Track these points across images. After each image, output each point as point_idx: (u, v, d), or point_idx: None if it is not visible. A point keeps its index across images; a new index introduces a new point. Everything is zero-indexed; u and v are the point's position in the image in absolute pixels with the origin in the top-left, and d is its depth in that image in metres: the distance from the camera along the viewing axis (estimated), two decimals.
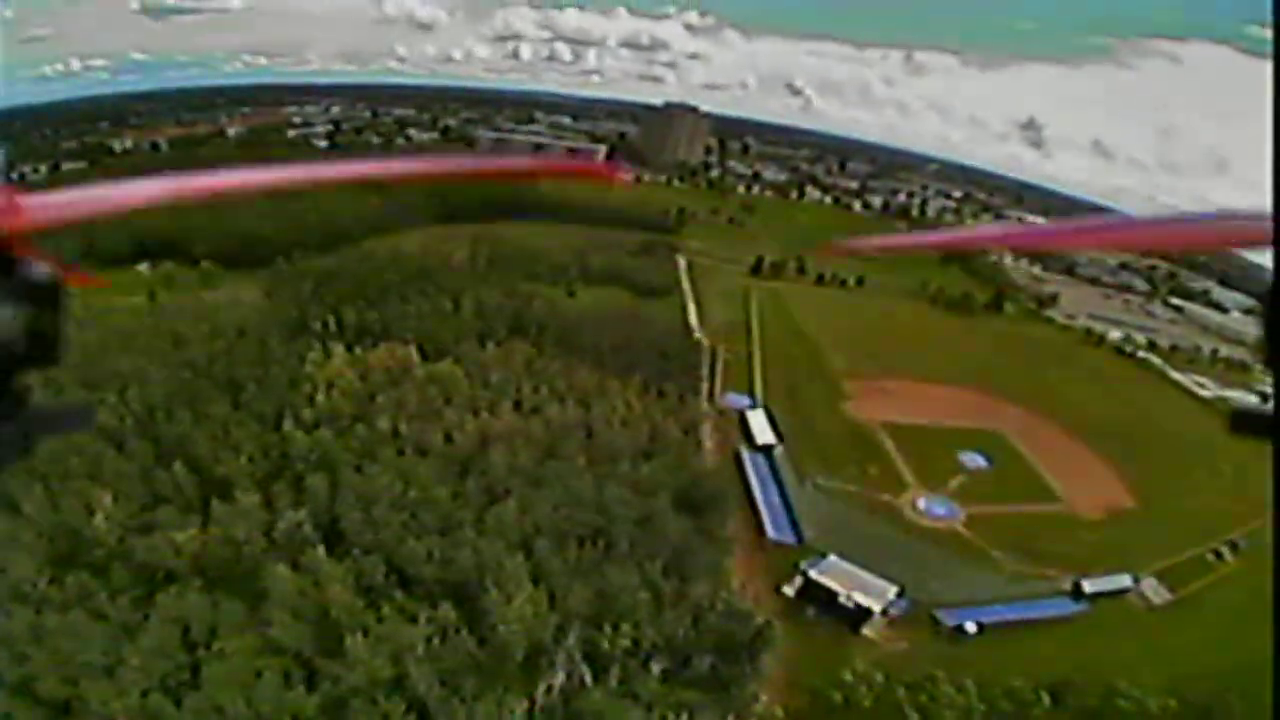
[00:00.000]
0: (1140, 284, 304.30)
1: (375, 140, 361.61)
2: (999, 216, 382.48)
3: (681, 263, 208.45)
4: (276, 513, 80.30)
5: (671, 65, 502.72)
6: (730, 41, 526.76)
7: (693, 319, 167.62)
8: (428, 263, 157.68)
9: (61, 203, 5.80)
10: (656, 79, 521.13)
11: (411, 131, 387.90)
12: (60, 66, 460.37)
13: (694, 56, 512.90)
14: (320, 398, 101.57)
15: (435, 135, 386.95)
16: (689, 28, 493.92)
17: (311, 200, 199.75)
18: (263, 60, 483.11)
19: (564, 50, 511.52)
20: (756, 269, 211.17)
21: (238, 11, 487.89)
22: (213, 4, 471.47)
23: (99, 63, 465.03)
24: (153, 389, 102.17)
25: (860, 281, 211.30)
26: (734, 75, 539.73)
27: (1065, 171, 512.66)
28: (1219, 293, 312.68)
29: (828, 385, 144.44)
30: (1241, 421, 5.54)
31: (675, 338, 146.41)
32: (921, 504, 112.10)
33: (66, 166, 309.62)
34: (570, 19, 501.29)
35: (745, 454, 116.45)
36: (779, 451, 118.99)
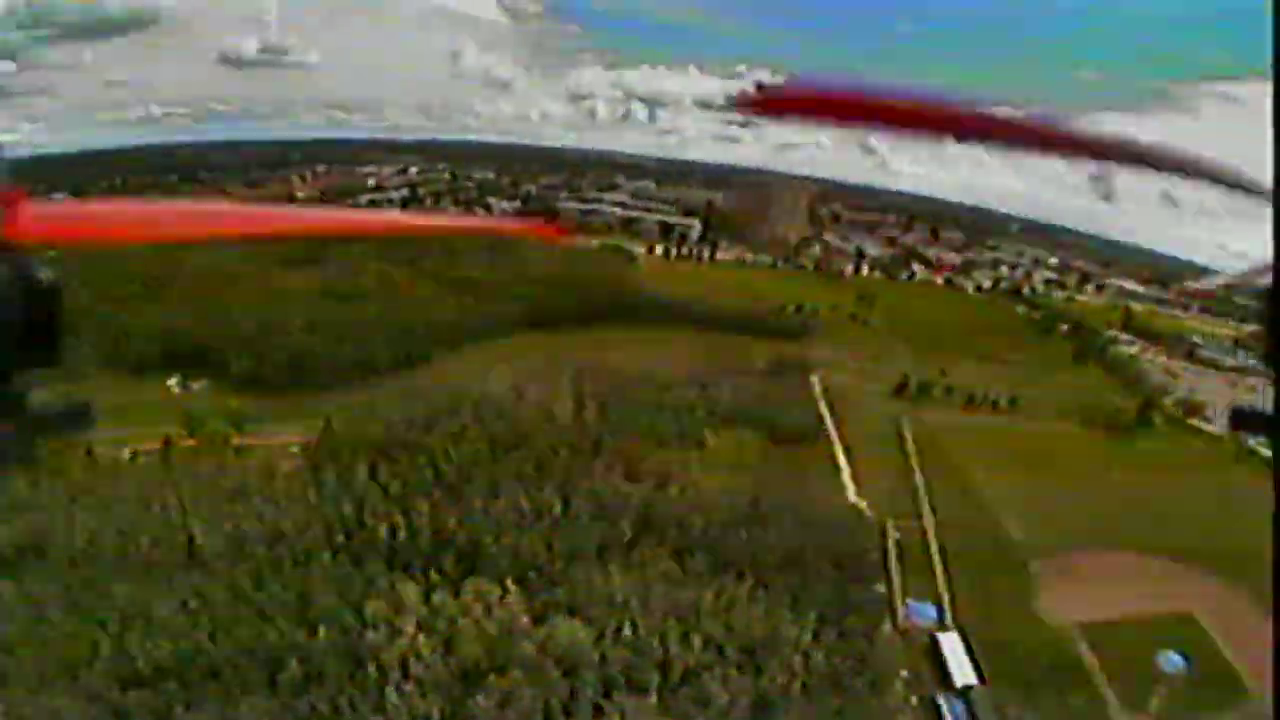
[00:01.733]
0: (1257, 364, 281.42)
1: (453, 209, 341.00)
2: (1100, 288, 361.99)
3: (816, 386, 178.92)
4: None
5: (747, 124, 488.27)
6: None
7: (847, 476, 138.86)
8: (525, 416, 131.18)
9: (61, 214, 7.06)
10: (733, 139, 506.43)
11: (491, 200, 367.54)
12: (143, 111, 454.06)
13: None
14: (392, 693, 73.98)
15: (516, 203, 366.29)
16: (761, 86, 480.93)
17: (378, 303, 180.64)
18: (341, 114, 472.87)
19: (639, 109, 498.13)
20: (900, 390, 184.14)
21: (317, 65, 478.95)
22: (292, 58, 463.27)
23: (181, 110, 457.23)
24: (131, 660, 78.27)
25: (1014, 402, 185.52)
26: (809, 134, 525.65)
27: (1138, 224, 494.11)
28: None
29: (1015, 572, 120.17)
30: (1241, 420, 6.91)
31: (838, 517, 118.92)
32: None
33: None
34: (643, 77, 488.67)
35: (943, 704, 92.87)
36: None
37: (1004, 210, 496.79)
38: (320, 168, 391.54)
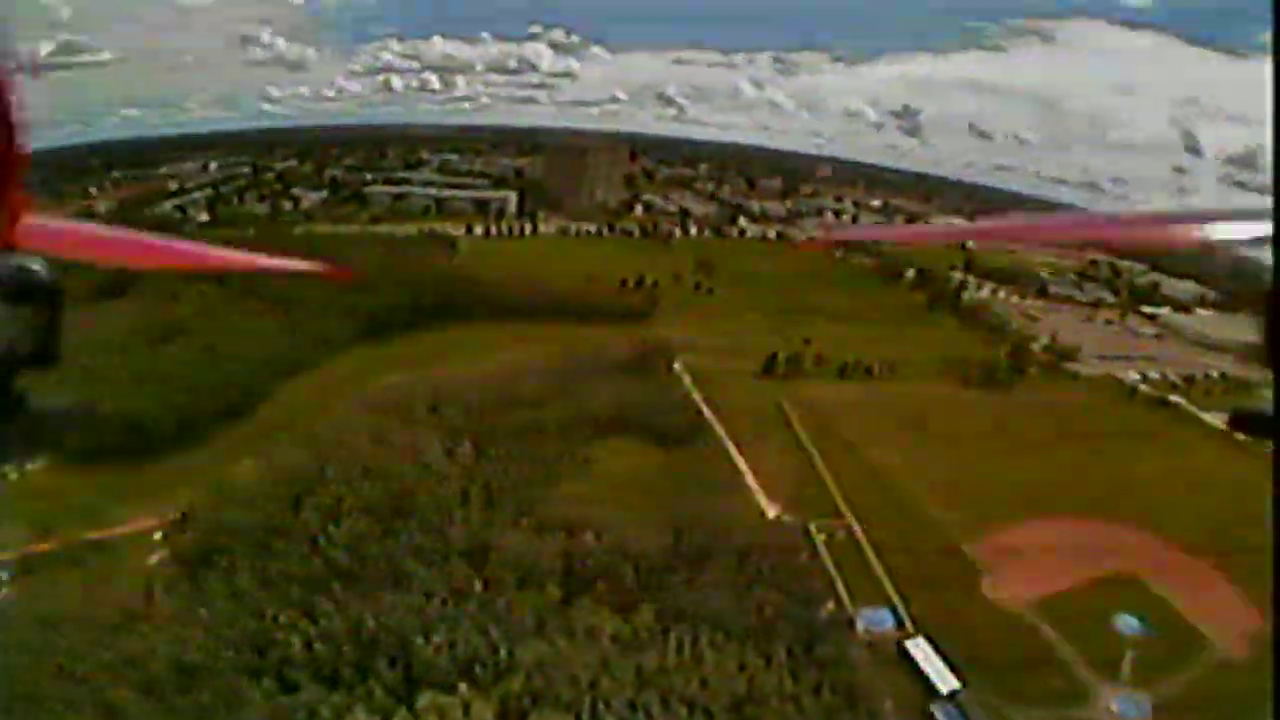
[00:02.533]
0: (1109, 296, 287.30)
1: (260, 208, 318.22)
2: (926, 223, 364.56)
3: (685, 378, 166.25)
4: None
5: (542, 86, 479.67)
6: (597, 57, 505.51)
7: (751, 480, 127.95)
8: (397, 469, 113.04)
9: (56, 233, 7.19)
10: (530, 100, 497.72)
11: (297, 191, 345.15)
12: None
13: (564, 75, 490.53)
14: None
15: (324, 193, 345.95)
16: (555, 46, 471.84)
17: (201, 336, 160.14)
18: (136, 113, 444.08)
19: (433, 79, 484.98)
20: (770, 367, 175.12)
21: (112, 64, 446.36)
22: (85, 58, 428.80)
23: None
24: None
25: (891, 367, 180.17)
26: (604, 90, 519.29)
27: (946, 156, 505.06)
28: (1169, 284, 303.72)
29: (952, 557, 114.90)
30: (1241, 421, 6.60)
31: (765, 535, 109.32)
32: (1115, 707, 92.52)
33: None
34: (435, 47, 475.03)
35: (938, 715, 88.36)
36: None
37: (806, 152, 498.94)
38: (117, 173, 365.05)
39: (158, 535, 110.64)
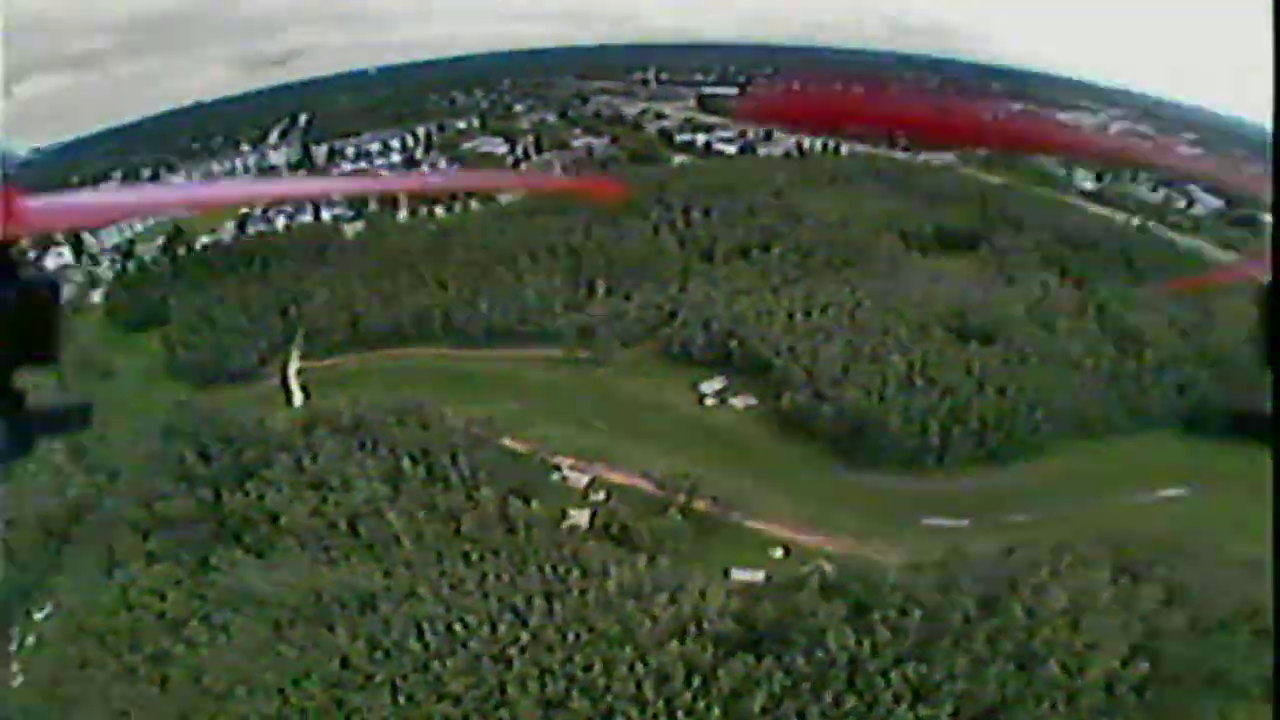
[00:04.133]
0: None
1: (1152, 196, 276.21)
2: None
3: None
4: None
5: None
6: None
7: None
8: (1042, 614, 74.88)
9: (65, 207, 7.08)
10: None
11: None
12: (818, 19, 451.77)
13: None
14: None
15: (1220, 201, 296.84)
16: None
17: (1024, 353, 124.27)
18: (1049, 47, 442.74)
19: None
20: None
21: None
22: None
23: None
24: None
25: None
26: None
27: None
28: None
29: None
30: (1242, 422, 6.99)
31: None
32: None
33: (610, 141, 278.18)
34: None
35: None
36: None
37: None
38: (1017, 106, 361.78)
39: (821, 565, 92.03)
